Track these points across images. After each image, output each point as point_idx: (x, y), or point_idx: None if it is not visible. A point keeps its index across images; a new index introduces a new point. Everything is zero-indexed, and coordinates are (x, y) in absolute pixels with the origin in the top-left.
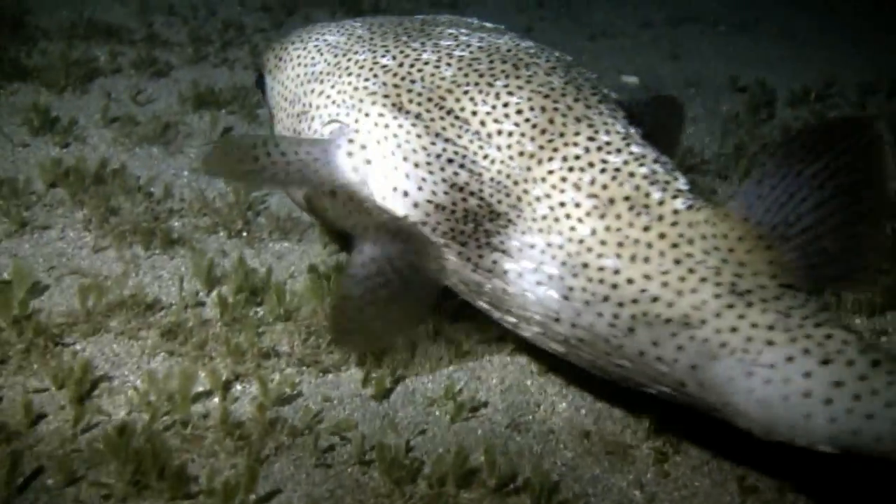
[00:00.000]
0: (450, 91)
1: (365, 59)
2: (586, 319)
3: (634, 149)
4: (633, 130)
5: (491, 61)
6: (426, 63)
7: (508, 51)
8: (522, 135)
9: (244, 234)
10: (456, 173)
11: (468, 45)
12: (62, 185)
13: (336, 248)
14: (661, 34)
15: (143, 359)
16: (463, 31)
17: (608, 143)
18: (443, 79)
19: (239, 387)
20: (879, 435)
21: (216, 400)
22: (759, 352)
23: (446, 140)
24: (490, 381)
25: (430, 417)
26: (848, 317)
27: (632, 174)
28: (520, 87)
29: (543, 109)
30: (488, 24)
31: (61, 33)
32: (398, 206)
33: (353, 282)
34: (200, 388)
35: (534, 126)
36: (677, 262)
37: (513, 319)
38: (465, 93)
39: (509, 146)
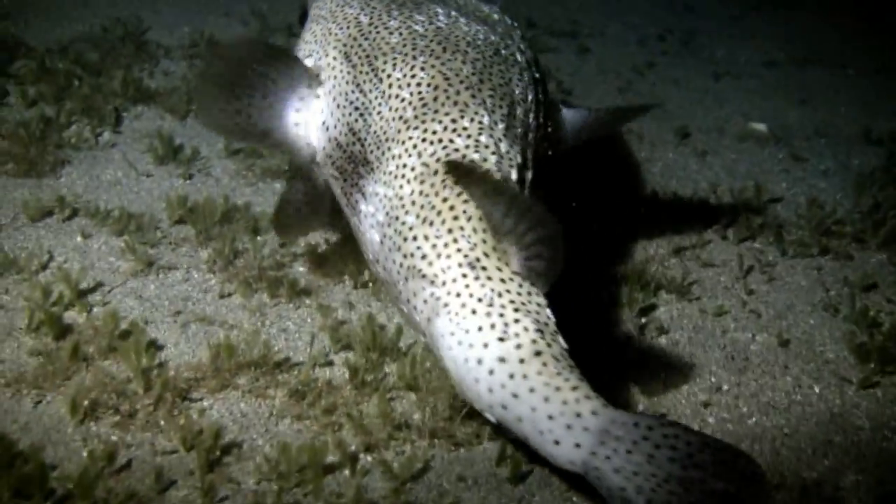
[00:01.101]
0: (384, 54)
1: (350, 13)
2: (387, 265)
3: (482, 138)
4: (501, 126)
5: (432, 40)
6: (387, 28)
7: (458, 35)
8: (409, 104)
9: (370, 284)
10: (356, 120)
11: (431, 23)
12: (188, 221)
13: None
14: (787, 75)
15: (270, 420)
16: (451, 10)
17: (465, 128)
18: (387, 43)
19: (369, 458)
20: (520, 416)
21: (346, 473)
22: (463, 317)
23: (361, 91)
24: None
25: None
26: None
27: (464, 157)
28: (432, 66)
29: (436, 88)
30: (487, 11)
31: (183, 52)
32: (320, 138)
33: (288, 199)
34: (330, 458)
35: (421, 99)
36: (450, 231)
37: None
38: (393, 59)
39: (395, 109)
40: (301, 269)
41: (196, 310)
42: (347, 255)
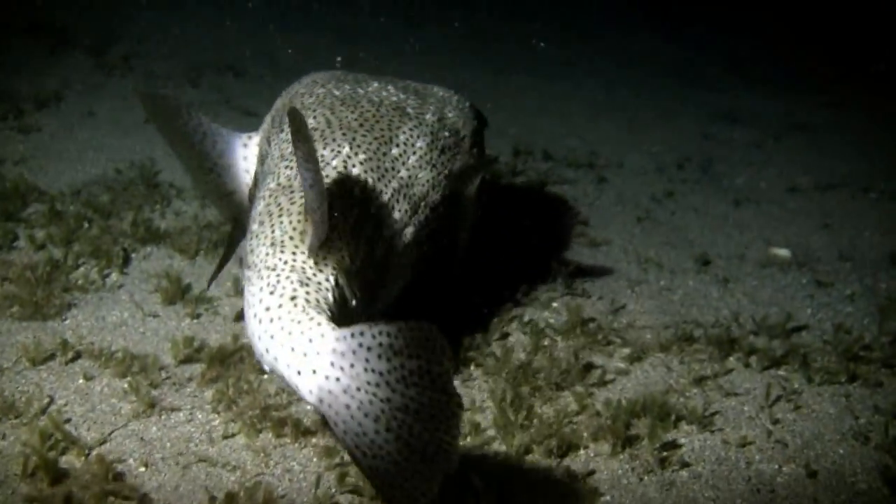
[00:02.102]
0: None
1: (316, 90)
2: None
3: (334, 162)
4: (362, 156)
5: (341, 100)
6: (313, 94)
7: (368, 97)
8: (290, 142)
9: None
10: (260, 164)
11: (355, 90)
12: (193, 361)
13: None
14: (808, 200)
15: None
16: (391, 85)
17: (322, 155)
18: (302, 103)
19: None
20: (276, 356)
21: None
22: (253, 283)
23: (268, 142)
24: None
25: None
26: None
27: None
28: (322, 115)
29: (314, 129)
30: (440, 93)
31: (194, 192)
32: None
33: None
34: None
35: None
36: (272, 225)
37: None
38: (306, 111)
39: (280, 149)
40: (307, 407)
41: (198, 451)
42: None
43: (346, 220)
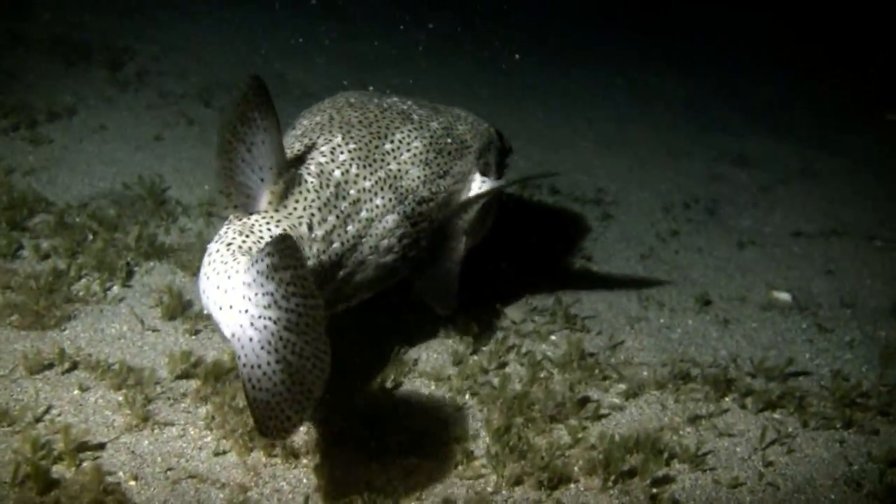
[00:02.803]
0: (311, 113)
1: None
2: None
3: (323, 147)
4: (352, 146)
5: (352, 105)
6: (334, 105)
7: (376, 103)
8: (296, 135)
9: (372, 443)
10: None
11: (370, 100)
12: (189, 377)
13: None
14: (813, 245)
15: None
16: (409, 101)
17: (314, 143)
18: (319, 108)
19: None
20: (209, 296)
21: None
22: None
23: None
24: None
25: None
26: None
27: (297, 153)
28: (329, 114)
29: (317, 124)
30: (456, 111)
31: (201, 209)
32: None
33: None
34: None
35: (303, 131)
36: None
37: None
38: (311, 114)
39: (289, 142)
40: (301, 429)
41: (189, 467)
42: (350, 415)
43: (317, 196)
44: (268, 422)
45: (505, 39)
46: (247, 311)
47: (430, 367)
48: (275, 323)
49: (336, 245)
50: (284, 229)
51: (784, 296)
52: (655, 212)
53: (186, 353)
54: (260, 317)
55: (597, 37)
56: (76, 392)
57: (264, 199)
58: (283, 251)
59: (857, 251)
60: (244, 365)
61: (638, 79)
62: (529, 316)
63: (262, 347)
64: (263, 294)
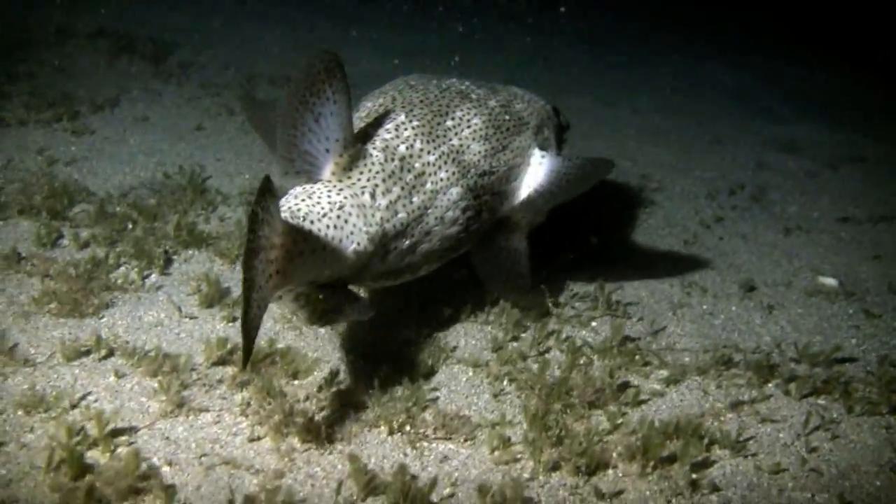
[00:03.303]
0: (374, 97)
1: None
2: None
3: (389, 125)
4: (415, 122)
5: (413, 86)
6: (395, 85)
7: (434, 85)
8: (362, 118)
9: (408, 428)
10: None
11: (431, 81)
12: (225, 364)
13: (504, 456)
14: (861, 231)
15: None
16: (469, 81)
17: (378, 120)
18: (381, 91)
19: None
20: None
21: None
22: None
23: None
24: None
25: None
26: None
27: (366, 132)
28: (392, 96)
29: (381, 106)
30: (514, 89)
31: (241, 199)
32: None
33: None
34: None
35: (368, 113)
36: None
37: None
38: (374, 96)
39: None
40: (335, 414)
41: (223, 453)
42: (386, 401)
43: (382, 168)
44: None
45: (550, 29)
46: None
47: (468, 354)
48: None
49: (402, 215)
50: (346, 197)
51: (830, 281)
52: (700, 198)
53: (223, 339)
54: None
55: (643, 26)
56: (112, 379)
57: (328, 169)
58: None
59: None
60: None
61: (684, 68)
62: (571, 301)
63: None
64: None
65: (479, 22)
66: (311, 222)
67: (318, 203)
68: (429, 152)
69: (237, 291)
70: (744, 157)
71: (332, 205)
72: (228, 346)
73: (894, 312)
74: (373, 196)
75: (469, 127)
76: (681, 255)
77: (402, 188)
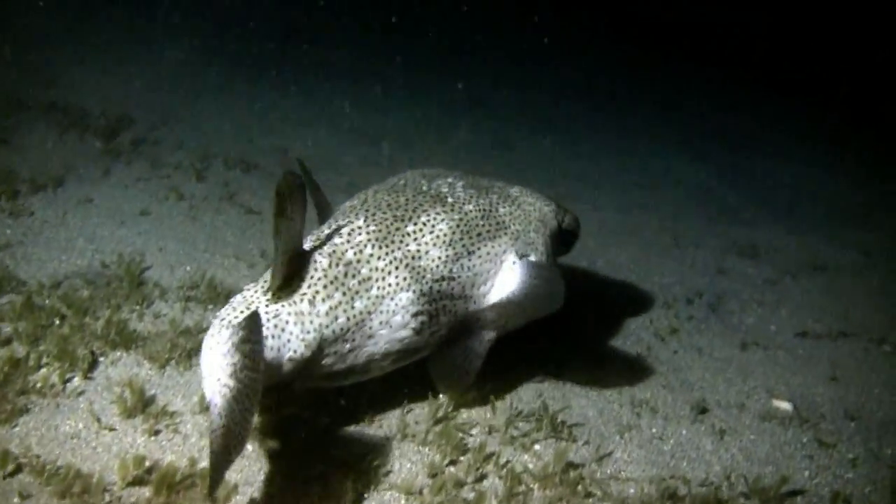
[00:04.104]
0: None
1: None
2: None
3: (344, 230)
4: (372, 228)
5: (388, 190)
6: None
7: (413, 186)
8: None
9: None
10: None
11: (410, 183)
12: (141, 484)
13: None
14: (819, 348)
15: None
16: (447, 184)
17: (341, 227)
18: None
19: None
20: None
21: None
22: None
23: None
24: None
25: None
26: None
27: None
28: (362, 198)
29: (351, 208)
30: (510, 191)
31: (180, 293)
32: None
33: None
34: None
35: (344, 211)
36: None
37: None
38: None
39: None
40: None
41: None
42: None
43: (325, 274)
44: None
45: (513, 114)
46: (219, 379)
47: (401, 479)
48: (230, 391)
49: (342, 320)
50: (283, 305)
51: (785, 405)
52: (656, 307)
53: (140, 457)
54: (224, 385)
55: (611, 117)
56: (16, 500)
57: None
58: (251, 328)
59: (866, 356)
60: (211, 424)
61: (650, 160)
62: (514, 420)
63: (219, 413)
64: (229, 364)
65: (439, 105)
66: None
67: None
68: (379, 258)
69: (163, 400)
70: (703, 262)
71: (268, 314)
72: (147, 464)
73: (849, 442)
74: (311, 303)
75: (432, 232)
76: (633, 370)
77: (345, 294)
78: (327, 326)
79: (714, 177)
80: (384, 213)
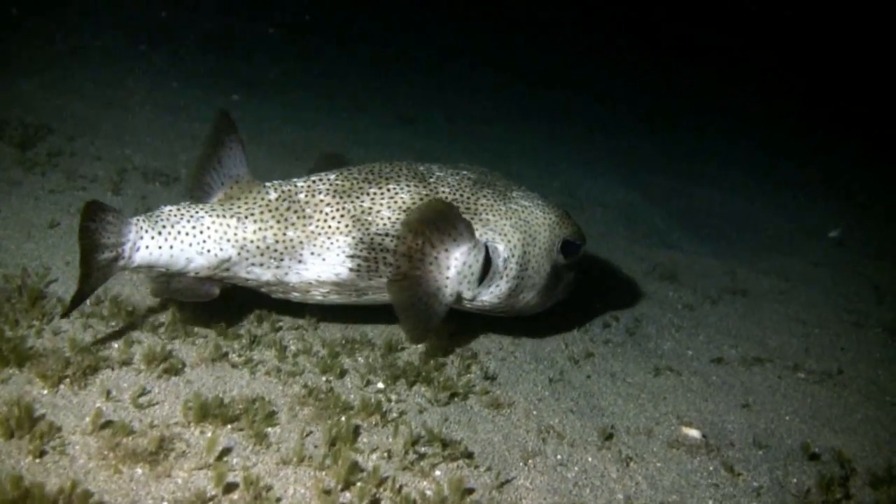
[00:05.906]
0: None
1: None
2: None
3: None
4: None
5: (385, 169)
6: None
7: (400, 168)
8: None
9: None
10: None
11: (404, 169)
12: None
13: None
14: (733, 374)
15: None
16: (438, 169)
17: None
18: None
19: None
20: None
21: None
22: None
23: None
24: None
25: None
26: None
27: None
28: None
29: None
30: (486, 173)
31: (81, 310)
32: None
33: None
34: None
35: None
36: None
37: None
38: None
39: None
40: None
41: None
42: None
43: (267, 204)
44: None
45: (443, 134)
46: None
47: None
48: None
49: (270, 240)
50: (207, 213)
51: (693, 433)
52: (572, 331)
53: (17, 477)
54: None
55: (534, 135)
56: None
57: (216, 197)
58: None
59: (779, 383)
60: None
61: (578, 180)
62: (414, 445)
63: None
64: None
65: (374, 120)
66: (164, 226)
67: (181, 212)
68: (328, 203)
69: (52, 418)
70: (624, 284)
71: (192, 216)
72: (24, 484)
73: (755, 470)
74: (240, 220)
75: (392, 198)
76: (543, 395)
77: (279, 221)
78: (251, 241)
79: (647, 200)
80: (360, 174)
